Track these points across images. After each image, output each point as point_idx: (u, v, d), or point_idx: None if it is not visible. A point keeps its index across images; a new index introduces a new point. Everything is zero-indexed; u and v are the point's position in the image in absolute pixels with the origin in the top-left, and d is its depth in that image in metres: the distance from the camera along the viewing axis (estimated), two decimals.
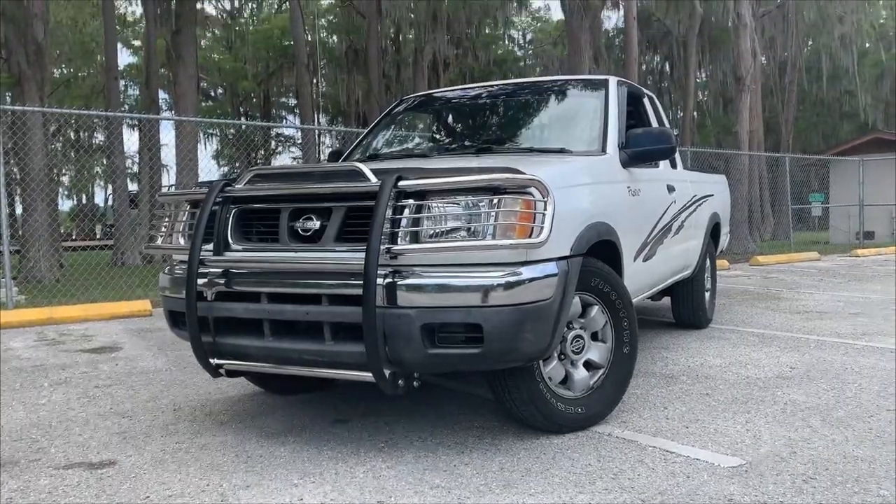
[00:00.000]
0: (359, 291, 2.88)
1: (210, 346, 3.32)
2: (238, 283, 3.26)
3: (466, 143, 4.57)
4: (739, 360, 5.07)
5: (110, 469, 3.10)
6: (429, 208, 2.99)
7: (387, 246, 2.91)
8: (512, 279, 2.92)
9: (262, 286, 3.21)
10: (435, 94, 5.29)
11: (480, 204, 2.95)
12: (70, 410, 4.05)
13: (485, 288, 2.89)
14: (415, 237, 2.97)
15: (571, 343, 3.51)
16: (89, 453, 3.31)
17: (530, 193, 2.95)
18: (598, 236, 3.50)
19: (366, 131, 5.15)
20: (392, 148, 4.87)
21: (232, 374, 3.50)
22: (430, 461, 3.14)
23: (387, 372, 3.01)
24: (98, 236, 30.13)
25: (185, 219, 3.60)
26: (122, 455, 3.28)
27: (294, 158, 41.80)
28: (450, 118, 5.10)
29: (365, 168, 3.05)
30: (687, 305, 6.29)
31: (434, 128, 5.12)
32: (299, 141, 35.73)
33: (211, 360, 3.34)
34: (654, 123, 5.21)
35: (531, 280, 2.97)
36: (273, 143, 40.88)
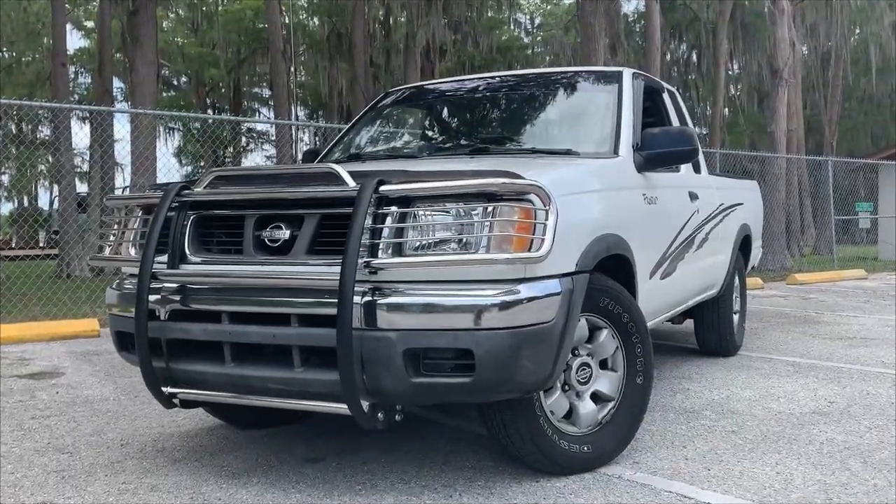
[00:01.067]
0: (333, 311, 2.88)
1: (163, 373, 3.32)
2: (196, 301, 3.27)
3: (461, 142, 4.61)
4: (771, 393, 5.09)
5: None
6: (414, 217, 3.00)
7: (366, 259, 2.93)
8: (508, 298, 2.93)
9: (224, 304, 3.22)
10: (426, 87, 5.32)
11: (473, 212, 2.97)
12: (2, 446, 4.05)
13: (477, 308, 2.89)
14: (398, 249, 2.99)
15: (577, 372, 3.52)
16: (22, 495, 3.31)
17: (530, 201, 2.97)
18: (607, 250, 3.52)
19: (347, 127, 5.17)
20: (376, 147, 4.91)
21: (188, 404, 3.51)
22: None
23: (364, 403, 3.02)
24: (41, 244, 30.11)
25: (136, 226, 3.61)
26: (60, 497, 3.27)
27: (268, 157, 41.92)
28: (443, 114, 5.13)
29: (341, 170, 3.07)
30: (712, 330, 6.31)
31: (425, 124, 5.16)
32: (273, 137, 35.82)
33: (163, 389, 3.34)
34: (675, 122, 5.25)
35: (530, 300, 2.98)
36: (244, 139, 40.99)
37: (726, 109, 35.53)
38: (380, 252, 2.97)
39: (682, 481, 3.40)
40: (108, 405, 4.91)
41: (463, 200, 2.99)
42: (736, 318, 6.66)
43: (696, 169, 5.52)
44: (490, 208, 2.95)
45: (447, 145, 4.71)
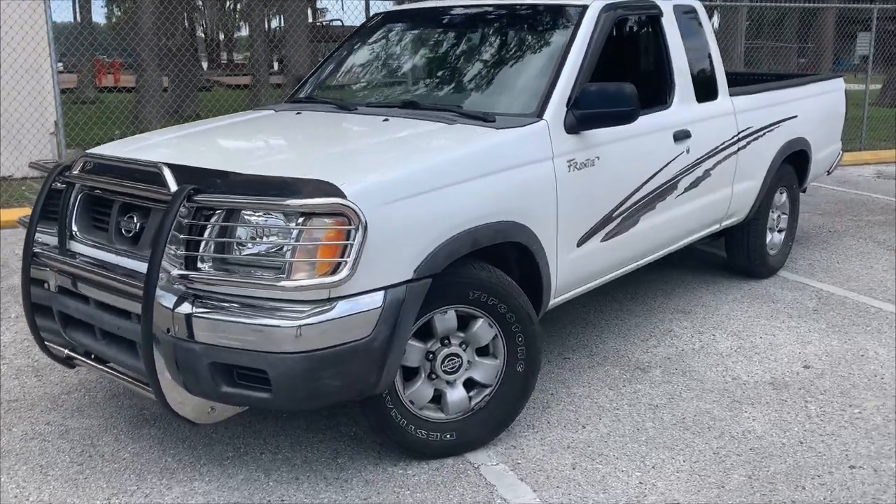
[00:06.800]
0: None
1: (58, 336, 3.40)
2: (77, 282, 3.27)
3: (396, 92, 4.20)
4: (755, 345, 4.54)
5: None
6: (229, 230, 2.80)
7: (180, 272, 2.79)
8: (310, 321, 2.70)
9: (89, 290, 3.20)
10: (400, 12, 4.80)
11: (288, 229, 2.74)
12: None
13: (271, 332, 2.70)
14: (221, 260, 2.82)
15: (443, 362, 3.26)
16: None
17: (344, 216, 2.69)
18: (473, 245, 3.14)
19: (332, 52, 4.85)
20: (333, 85, 4.58)
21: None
22: (257, 487, 3.14)
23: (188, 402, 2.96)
24: (273, 69, 29.75)
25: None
26: None
27: None
28: (406, 48, 4.62)
29: (166, 171, 2.89)
30: (740, 251, 5.66)
31: (382, 59, 4.68)
32: None
33: (63, 351, 3.44)
34: (675, 54, 4.44)
35: (337, 319, 2.74)
36: None
37: None
38: (198, 262, 2.82)
39: (530, 485, 3.14)
40: None
41: (280, 212, 2.76)
42: (779, 237, 5.91)
43: (706, 96, 4.73)
44: (294, 231, 2.70)
45: (382, 95, 4.32)
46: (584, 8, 3.98)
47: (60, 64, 29.95)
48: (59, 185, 3.36)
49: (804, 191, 6.49)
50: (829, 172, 6.77)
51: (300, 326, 2.70)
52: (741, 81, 5.96)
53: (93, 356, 3.35)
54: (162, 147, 3.63)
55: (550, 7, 4.10)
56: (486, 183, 3.24)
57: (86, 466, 3.30)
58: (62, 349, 3.44)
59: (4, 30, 8.04)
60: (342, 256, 2.68)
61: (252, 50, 20.46)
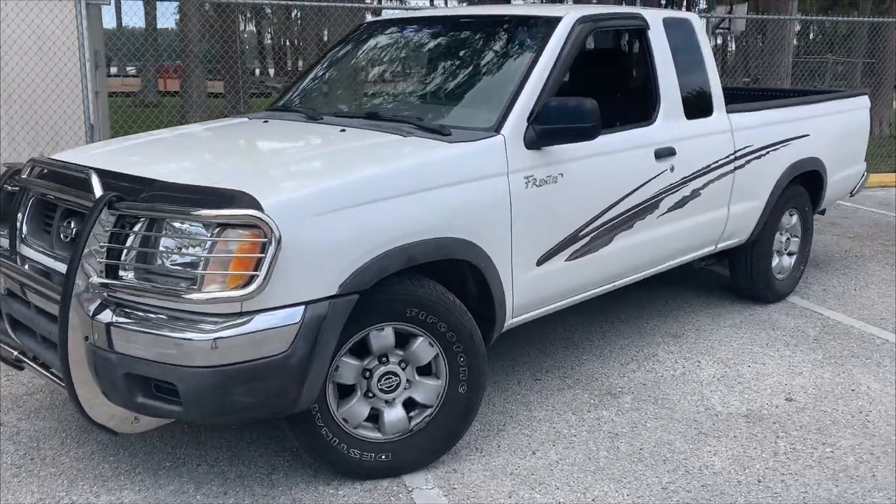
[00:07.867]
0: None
1: (9, 340, 3.42)
2: (23, 286, 3.28)
3: (363, 102, 4.13)
4: (740, 374, 4.32)
5: None
6: (154, 239, 2.76)
7: (100, 280, 2.76)
8: (222, 334, 2.64)
9: (30, 294, 3.21)
10: (381, 22, 4.75)
11: (205, 240, 2.69)
12: None
13: (182, 345, 2.65)
14: (143, 269, 2.78)
15: (379, 381, 3.17)
16: None
17: (259, 229, 2.63)
18: (408, 261, 3.04)
19: (319, 58, 4.82)
20: (310, 94, 4.53)
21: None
22: (184, 499, 3.09)
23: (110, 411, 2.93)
24: None
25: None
26: None
27: None
28: (379, 58, 4.55)
29: (94, 178, 2.87)
30: (743, 274, 5.42)
31: (363, 67, 4.62)
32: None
33: (12, 353, 3.44)
34: (662, 69, 4.25)
35: (251, 333, 2.67)
36: None
37: None
38: (119, 270, 2.79)
39: None
40: None
41: (199, 225, 2.71)
42: (788, 261, 5.64)
43: (698, 113, 4.53)
44: (210, 241, 2.65)
45: (350, 105, 4.25)
46: (557, 20, 3.84)
47: (132, 68, 31.02)
48: (9, 188, 3.39)
49: (822, 213, 6.20)
50: (852, 194, 6.45)
51: (211, 340, 2.64)
52: (761, 97, 5.76)
53: (41, 361, 3.35)
54: (113, 153, 3.63)
55: (523, 18, 3.98)
56: (427, 198, 3.14)
57: (23, 469, 3.31)
58: (11, 350, 3.45)
59: (37, 32, 8.23)
60: (255, 270, 2.62)
61: (304, 58, 20.80)
